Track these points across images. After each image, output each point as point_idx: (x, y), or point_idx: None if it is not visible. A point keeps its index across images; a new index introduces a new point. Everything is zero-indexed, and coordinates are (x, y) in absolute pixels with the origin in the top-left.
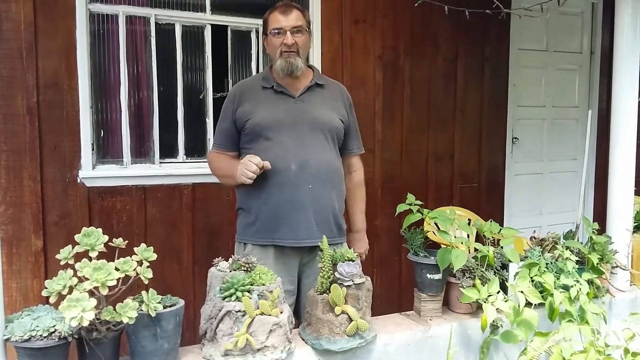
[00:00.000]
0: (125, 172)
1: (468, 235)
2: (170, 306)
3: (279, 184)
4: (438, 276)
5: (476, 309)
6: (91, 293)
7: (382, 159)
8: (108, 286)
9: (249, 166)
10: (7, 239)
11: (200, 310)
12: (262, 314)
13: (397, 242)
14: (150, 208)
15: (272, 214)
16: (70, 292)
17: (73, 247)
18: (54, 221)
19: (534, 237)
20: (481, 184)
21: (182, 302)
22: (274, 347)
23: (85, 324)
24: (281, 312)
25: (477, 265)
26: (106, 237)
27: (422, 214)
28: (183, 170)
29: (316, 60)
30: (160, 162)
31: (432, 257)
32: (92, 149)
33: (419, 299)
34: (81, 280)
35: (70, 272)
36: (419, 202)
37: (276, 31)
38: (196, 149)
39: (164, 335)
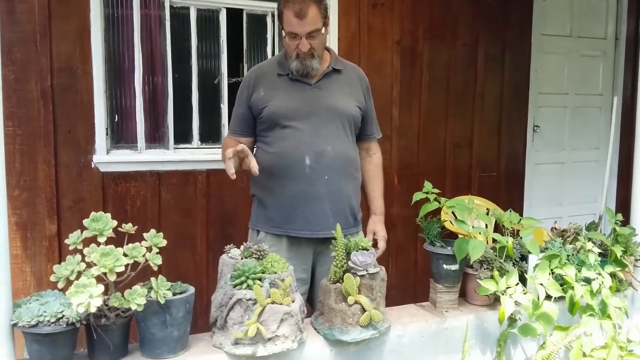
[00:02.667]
0: (140, 157)
1: (486, 226)
2: (180, 293)
3: (293, 175)
4: (455, 267)
5: (494, 301)
6: (100, 279)
7: (399, 146)
8: (117, 272)
9: (227, 168)
10: (21, 223)
11: (211, 298)
12: (273, 302)
13: (413, 231)
14: (164, 194)
15: (286, 205)
16: (78, 277)
17: (82, 232)
18: (68, 205)
19: (555, 228)
20: (500, 173)
21: (192, 290)
22: (285, 337)
23: (93, 310)
24: (293, 301)
25: (496, 256)
26: (115, 223)
27: (439, 203)
28: (198, 156)
29: (333, 44)
30: (174, 148)
31: (449, 248)
32: (107, 134)
33: (434, 289)
34: (90, 265)
35: (78, 257)
36: (436, 191)
37: (291, 35)
38: (211, 135)
39: (173, 322)
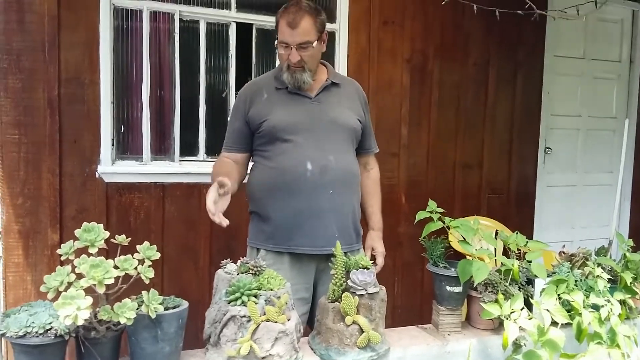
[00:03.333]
0: (145, 168)
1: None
2: (174, 308)
3: (297, 190)
4: (458, 289)
5: (498, 325)
6: (92, 291)
7: (407, 165)
8: (106, 284)
9: (208, 210)
10: (24, 232)
11: (205, 314)
12: (267, 320)
13: (419, 250)
14: (168, 206)
15: (289, 221)
16: (68, 289)
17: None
18: (71, 215)
19: (563, 252)
20: (510, 194)
21: (185, 305)
22: (279, 356)
23: (80, 322)
24: (288, 320)
25: (501, 279)
26: (107, 234)
27: (443, 222)
28: (203, 169)
29: (342, 61)
30: (180, 160)
31: (453, 269)
32: (112, 144)
33: (437, 312)
34: (80, 277)
35: (68, 268)
36: (440, 210)
37: (283, 45)
38: (217, 148)
39: (164, 337)
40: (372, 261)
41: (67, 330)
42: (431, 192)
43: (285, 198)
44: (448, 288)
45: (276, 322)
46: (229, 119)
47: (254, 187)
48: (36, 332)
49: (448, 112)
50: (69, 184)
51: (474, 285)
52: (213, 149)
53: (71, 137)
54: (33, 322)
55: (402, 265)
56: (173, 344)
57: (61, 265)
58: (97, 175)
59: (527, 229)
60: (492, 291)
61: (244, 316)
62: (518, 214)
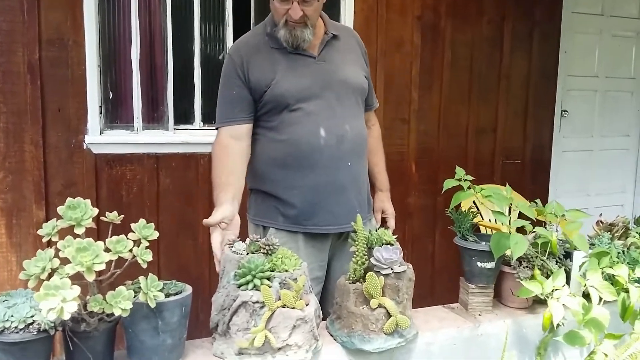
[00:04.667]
0: (136, 138)
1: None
2: (176, 294)
3: (313, 164)
4: (490, 265)
5: (532, 303)
6: (80, 277)
7: (418, 131)
8: (96, 271)
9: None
10: (6, 209)
11: (212, 299)
12: (284, 306)
13: (431, 221)
14: (163, 178)
15: (308, 200)
16: (50, 276)
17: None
18: (58, 190)
19: (601, 222)
20: (525, 160)
21: (189, 290)
22: (297, 346)
23: (66, 317)
24: (307, 305)
25: (537, 252)
26: (96, 211)
27: (474, 191)
28: (199, 138)
29: (348, 19)
30: (174, 129)
31: (484, 243)
32: (100, 113)
33: (466, 290)
34: (66, 262)
35: (50, 252)
36: (470, 178)
37: None
38: (214, 116)
39: (166, 328)
40: (382, 224)
41: (53, 324)
42: (442, 160)
43: (300, 174)
44: (479, 264)
45: (293, 307)
46: (219, 91)
47: (259, 163)
48: (15, 328)
49: (461, 73)
50: (54, 156)
51: (508, 260)
52: (210, 117)
53: (55, 105)
54: (12, 316)
55: (412, 238)
56: (176, 335)
57: (48, 245)
58: (84, 147)
59: (541, 197)
60: (527, 266)
61: (257, 302)
62: (533, 181)
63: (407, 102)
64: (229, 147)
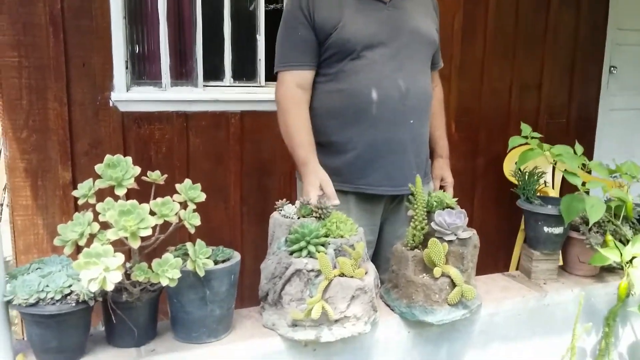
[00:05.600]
0: (164, 95)
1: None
2: (224, 261)
3: (372, 118)
4: (558, 230)
5: (600, 270)
6: (120, 243)
7: (459, 89)
8: (141, 237)
9: (310, 195)
10: (31, 170)
11: (261, 267)
12: (342, 275)
13: (469, 185)
14: (192, 138)
15: (363, 156)
16: (90, 243)
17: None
18: (84, 150)
19: None
20: (570, 120)
21: (238, 257)
22: (356, 318)
23: (110, 288)
24: (366, 273)
25: (610, 216)
26: (138, 169)
27: (543, 150)
28: (230, 95)
29: None
30: (204, 86)
31: (549, 206)
32: (126, 68)
33: (529, 257)
34: (105, 227)
35: (90, 215)
36: (538, 135)
37: None
38: (245, 72)
39: (214, 299)
40: None
41: (92, 295)
42: (484, 119)
43: (357, 128)
44: (546, 229)
45: (352, 277)
46: (280, 31)
47: (314, 112)
48: (52, 299)
49: (506, 26)
50: (80, 114)
51: (580, 226)
52: (241, 73)
53: (79, 60)
54: (47, 286)
55: None
56: (224, 305)
57: (77, 211)
58: (110, 104)
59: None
60: (598, 231)
61: (312, 270)
62: (578, 141)
63: (448, 57)
64: (301, 100)
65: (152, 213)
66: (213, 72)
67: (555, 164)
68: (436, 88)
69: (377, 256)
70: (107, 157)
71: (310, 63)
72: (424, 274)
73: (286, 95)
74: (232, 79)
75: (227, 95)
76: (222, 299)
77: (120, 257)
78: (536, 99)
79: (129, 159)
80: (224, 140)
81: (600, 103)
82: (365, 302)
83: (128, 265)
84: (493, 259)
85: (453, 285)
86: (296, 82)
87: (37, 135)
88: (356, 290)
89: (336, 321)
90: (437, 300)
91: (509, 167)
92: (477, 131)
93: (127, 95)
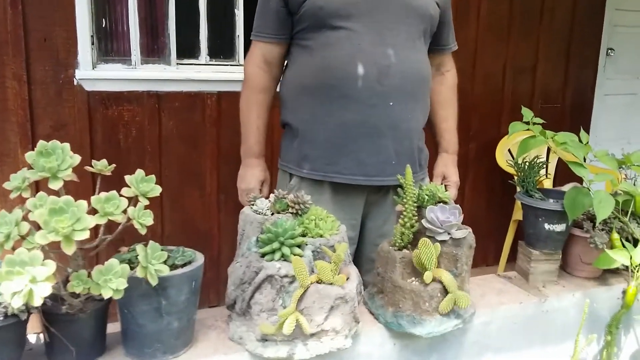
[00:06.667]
0: (134, 73)
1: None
2: (184, 265)
3: (345, 97)
4: (561, 227)
5: (602, 272)
6: (57, 246)
7: None
8: (77, 240)
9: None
10: None
11: (228, 271)
12: (319, 281)
13: (461, 172)
14: (165, 120)
15: (332, 139)
16: (19, 246)
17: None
18: (46, 133)
19: None
20: (565, 104)
21: (200, 259)
22: (335, 332)
23: (37, 303)
24: (347, 279)
25: (616, 213)
26: (78, 158)
27: (546, 138)
28: (206, 74)
29: None
30: (177, 64)
31: (551, 200)
32: (92, 43)
33: (527, 256)
34: (38, 227)
35: (18, 213)
36: (540, 121)
37: None
38: (223, 49)
39: (171, 309)
40: None
41: (24, 307)
42: (477, 102)
43: (328, 107)
44: (547, 226)
45: (332, 283)
46: None
47: (288, 89)
48: None
49: (500, 5)
50: (41, 93)
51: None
52: (217, 50)
53: (40, 34)
54: None
55: None
56: (184, 316)
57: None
58: (75, 83)
59: None
60: (603, 229)
61: (286, 276)
62: (572, 127)
63: None
64: (262, 78)
65: (94, 211)
66: (187, 49)
67: (549, 152)
68: (447, 74)
69: (359, 255)
70: (41, 142)
71: (279, 35)
72: (413, 278)
73: (250, 69)
74: (208, 57)
75: (203, 74)
76: (181, 310)
77: (52, 266)
78: (530, 82)
79: (67, 145)
80: (199, 123)
81: (596, 87)
82: (345, 312)
83: (70, 270)
84: (482, 251)
85: (445, 291)
86: (263, 55)
87: None
88: (336, 299)
89: (312, 335)
90: (427, 310)
91: (502, 154)
92: (468, 116)
93: (93, 73)
